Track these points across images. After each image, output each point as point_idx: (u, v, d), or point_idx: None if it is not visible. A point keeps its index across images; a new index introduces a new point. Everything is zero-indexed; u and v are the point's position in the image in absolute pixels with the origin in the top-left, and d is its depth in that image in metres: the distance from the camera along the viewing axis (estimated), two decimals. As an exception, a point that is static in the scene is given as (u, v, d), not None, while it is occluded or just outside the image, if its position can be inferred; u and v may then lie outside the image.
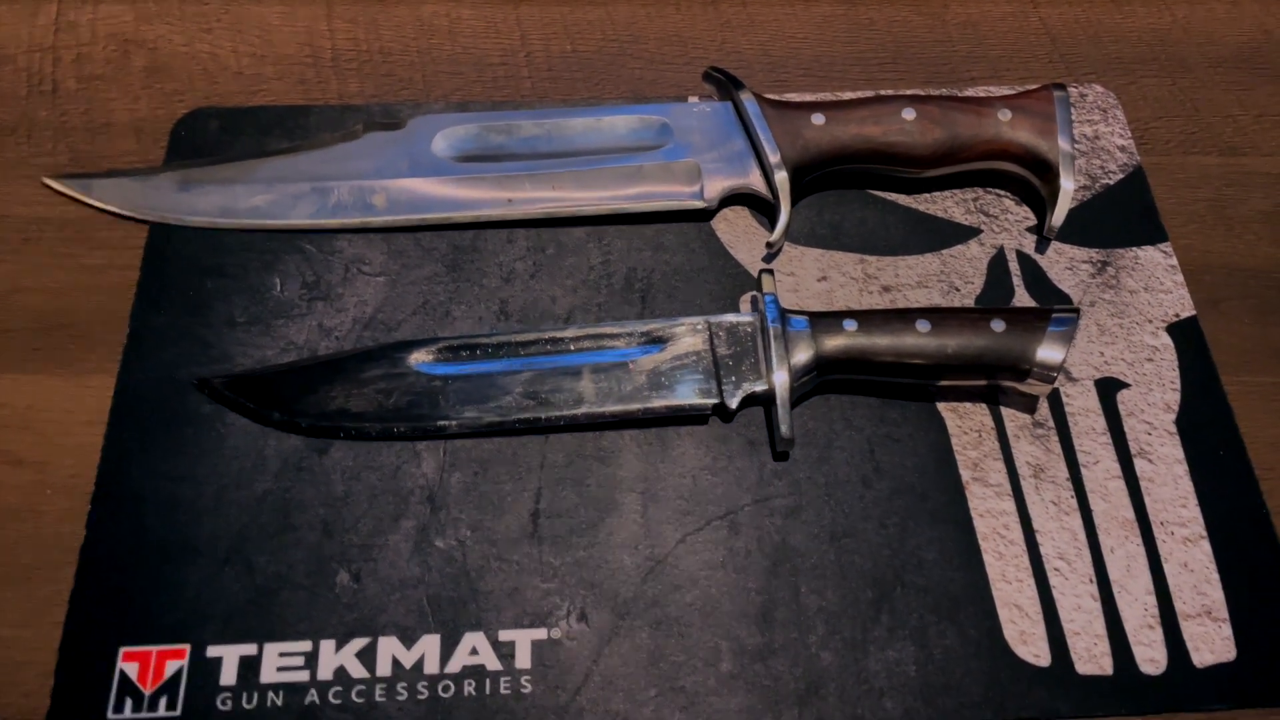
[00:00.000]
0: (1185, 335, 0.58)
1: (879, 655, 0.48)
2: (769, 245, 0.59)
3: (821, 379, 0.54)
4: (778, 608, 0.49)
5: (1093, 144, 0.65)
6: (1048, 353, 0.51)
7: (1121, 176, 0.63)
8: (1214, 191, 0.64)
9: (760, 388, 0.52)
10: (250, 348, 0.55)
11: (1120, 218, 0.62)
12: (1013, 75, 0.68)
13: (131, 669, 0.47)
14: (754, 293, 0.58)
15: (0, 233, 0.59)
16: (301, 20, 0.69)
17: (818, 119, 0.59)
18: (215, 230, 0.59)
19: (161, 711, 0.46)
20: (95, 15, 0.68)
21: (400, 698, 0.47)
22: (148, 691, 0.46)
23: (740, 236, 0.61)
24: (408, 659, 0.48)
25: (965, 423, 0.55)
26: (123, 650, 0.47)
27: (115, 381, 0.54)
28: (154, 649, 0.47)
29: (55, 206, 0.60)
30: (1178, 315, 0.58)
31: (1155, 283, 0.59)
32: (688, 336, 0.54)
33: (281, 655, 0.47)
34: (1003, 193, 0.63)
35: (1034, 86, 0.61)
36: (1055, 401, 0.55)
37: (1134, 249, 0.61)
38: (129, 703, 0.46)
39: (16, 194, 0.60)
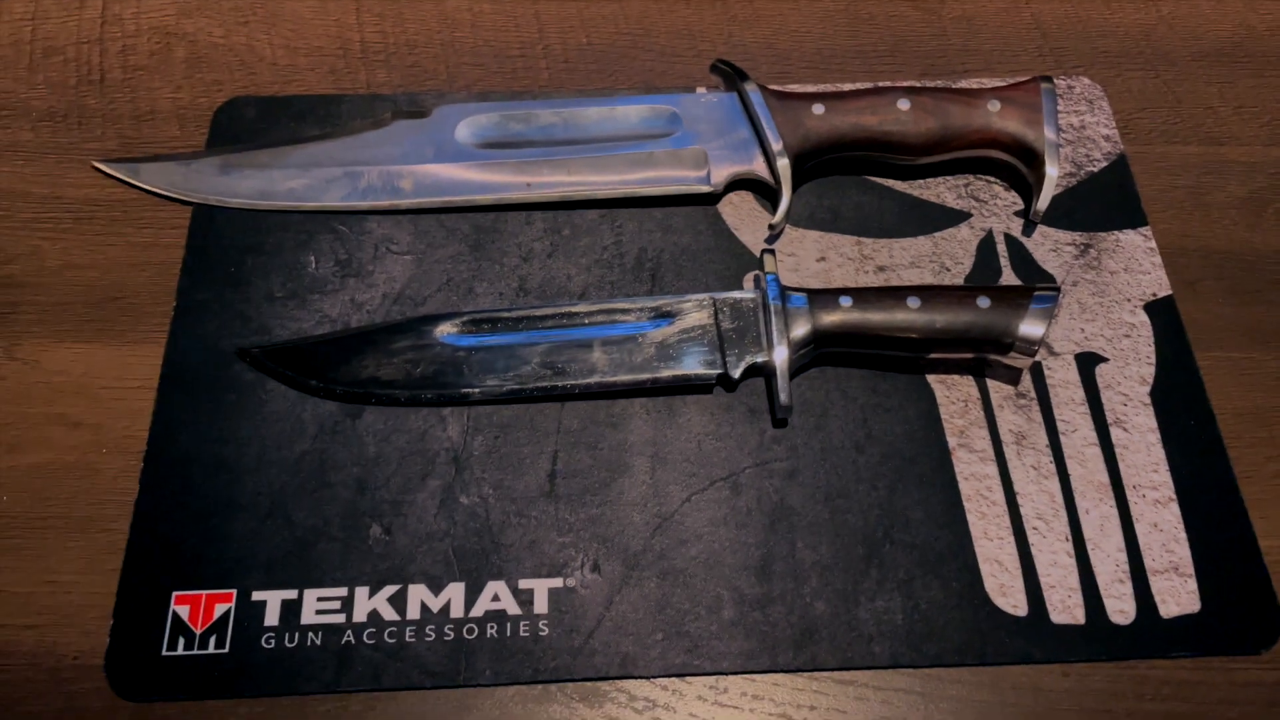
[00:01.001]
0: (1161, 313, 0.61)
1: (868, 605, 0.52)
2: (771, 227, 0.62)
3: (818, 352, 0.57)
4: (775, 561, 0.53)
5: (1079, 133, 0.68)
6: (1029, 328, 0.54)
7: (1105, 164, 0.67)
8: (1193, 179, 0.67)
9: (761, 359, 0.56)
10: (287, 320, 0.59)
11: (1103, 203, 0.65)
12: (1004, 68, 0.71)
13: (183, 611, 0.51)
14: (757, 272, 0.61)
15: (54, 213, 0.63)
16: (332, 14, 0.72)
17: (818, 109, 0.62)
18: (254, 211, 0.62)
19: (211, 649, 0.50)
20: (139, 9, 0.72)
21: (429, 639, 0.51)
22: (198, 631, 0.50)
23: (744, 219, 0.64)
24: (435, 604, 0.51)
25: (952, 393, 0.58)
26: (175, 594, 0.51)
27: (163, 351, 0.58)
28: (203, 593, 0.51)
29: (105, 189, 0.63)
30: (1155, 295, 0.62)
31: (1134, 264, 0.63)
32: (694, 312, 0.58)
33: (320, 600, 0.51)
34: (992, 179, 0.66)
35: (1023, 79, 0.64)
36: (1037, 374, 0.59)
37: (1115, 232, 0.64)
38: (181, 641, 0.50)
39: (69, 177, 0.64)
